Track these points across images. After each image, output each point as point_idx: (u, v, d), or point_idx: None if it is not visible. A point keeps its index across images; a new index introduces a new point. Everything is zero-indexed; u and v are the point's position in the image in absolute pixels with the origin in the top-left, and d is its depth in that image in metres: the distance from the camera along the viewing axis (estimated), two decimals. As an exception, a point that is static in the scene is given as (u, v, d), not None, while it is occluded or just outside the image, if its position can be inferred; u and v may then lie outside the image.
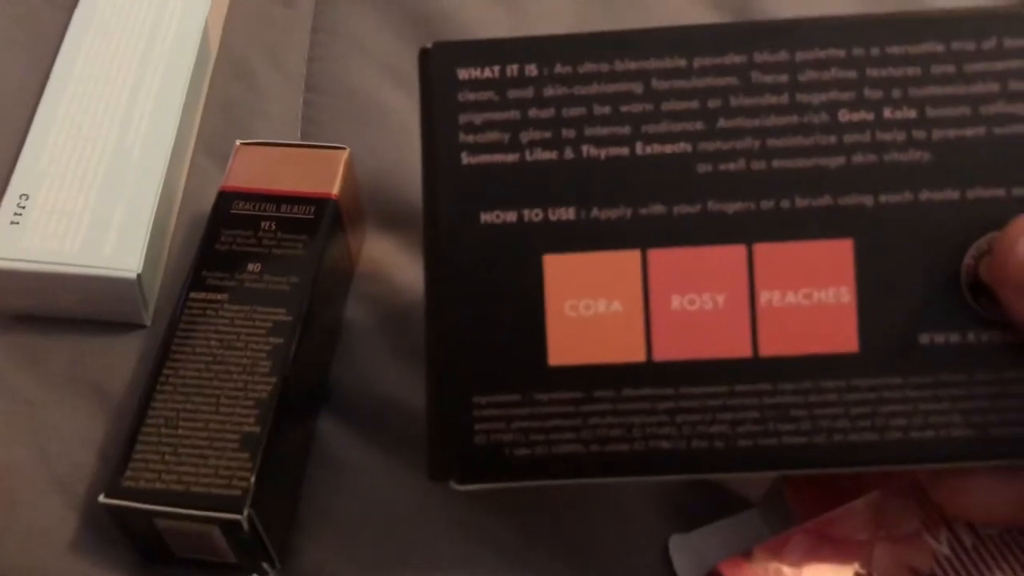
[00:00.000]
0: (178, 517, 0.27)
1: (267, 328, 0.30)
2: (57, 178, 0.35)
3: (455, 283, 0.25)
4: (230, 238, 0.32)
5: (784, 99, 0.25)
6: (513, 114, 0.25)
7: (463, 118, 0.25)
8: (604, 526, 0.31)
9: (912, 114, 0.24)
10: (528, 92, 0.25)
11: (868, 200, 0.24)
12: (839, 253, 0.24)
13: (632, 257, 0.25)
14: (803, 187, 0.25)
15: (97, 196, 0.34)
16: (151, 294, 0.35)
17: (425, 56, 0.26)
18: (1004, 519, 0.25)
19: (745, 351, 0.25)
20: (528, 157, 0.25)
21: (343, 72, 0.42)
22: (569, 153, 0.25)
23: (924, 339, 0.24)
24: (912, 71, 0.24)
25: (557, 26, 0.43)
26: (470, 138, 0.26)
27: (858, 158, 0.24)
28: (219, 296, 0.31)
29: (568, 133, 0.25)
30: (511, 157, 0.25)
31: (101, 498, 0.28)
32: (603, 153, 0.25)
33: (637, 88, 0.25)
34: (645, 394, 0.25)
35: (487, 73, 0.26)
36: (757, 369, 0.25)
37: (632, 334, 0.25)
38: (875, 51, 0.25)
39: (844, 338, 0.24)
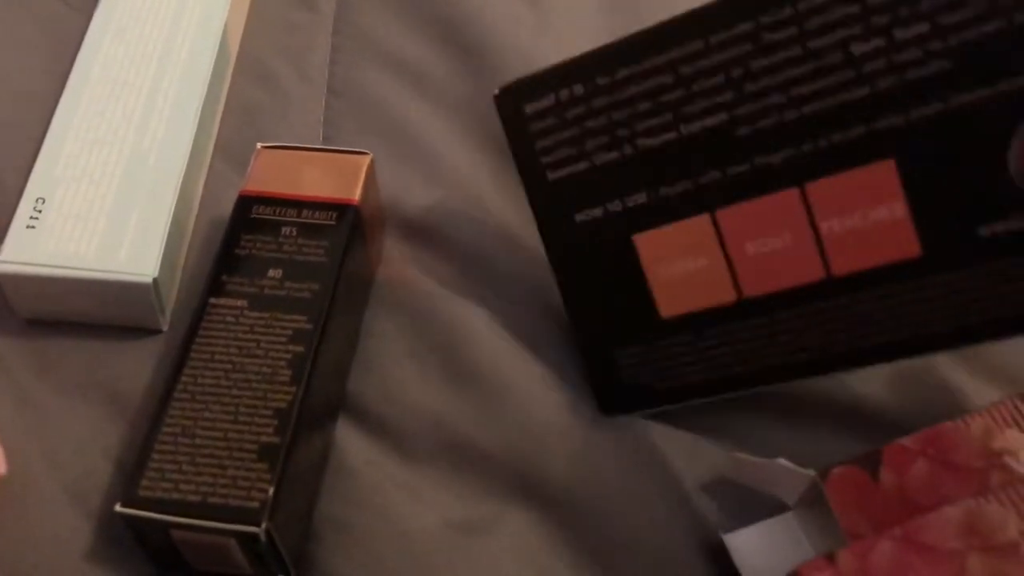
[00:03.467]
0: (195, 528, 0.27)
1: (287, 336, 0.30)
2: (74, 182, 0.34)
3: (572, 273, 0.31)
4: (250, 243, 0.32)
5: (798, 50, 0.26)
6: (575, 130, 0.29)
7: (539, 144, 0.30)
8: (637, 532, 0.30)
9: (924, 28, 0.25)
10: (581, 108, 0.29)
11: (899, 120, 0.26)
12: (884, 173, 0.26)
13: (703, 221, 0.29)
14: (836, 123, 0.26)
15: (113, 200, 0.34)
16: (168, 299, 0.34)
17: (497, 101, 0.30)
18: None
19: (820, 274, 0.28)
20: (596, 161, 0.29)
21: (364, 76, 0.41)
22: (628, 149, 0.29)
23: (984, 231, 0.25)
24: None
25: (580, 22, 0.43)
26: (548, 159, 0.30)
27: (881, 83, 0.25)
28: (239, 302, 0.30)
29: (622, 132, 0.29)
30: (583, 165, 0.29)
31: (117, 507, 0.27)
32: (655, 141, 0.28)
33: (668, 79, 0.28)
34: (746, 324, 0.29)
35: (546, 102, 0.29)
36: (834, 286, 0.27)
37: (721, 281, 0.29)
38: None
39: (906, 246, 0.26)
